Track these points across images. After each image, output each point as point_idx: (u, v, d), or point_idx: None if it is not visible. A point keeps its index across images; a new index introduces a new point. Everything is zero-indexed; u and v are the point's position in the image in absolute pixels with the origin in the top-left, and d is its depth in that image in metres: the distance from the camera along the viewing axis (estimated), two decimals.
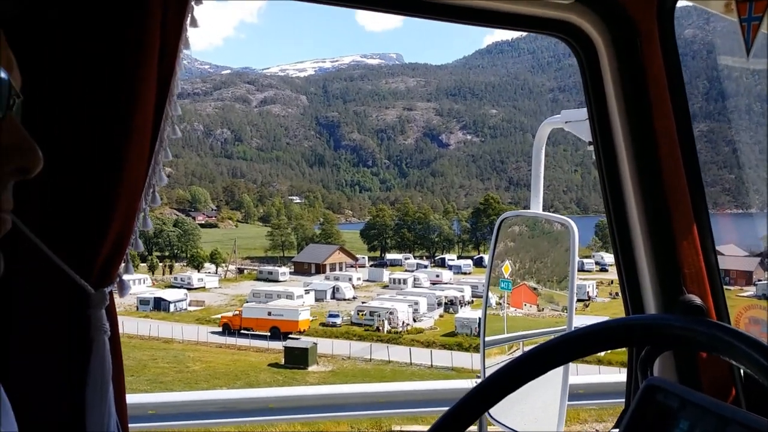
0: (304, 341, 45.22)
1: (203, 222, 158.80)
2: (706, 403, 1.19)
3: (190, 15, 1.44)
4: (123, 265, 1.47)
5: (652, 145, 1.75)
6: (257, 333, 51.14)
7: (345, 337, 51.97)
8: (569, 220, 2.05)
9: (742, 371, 1.72)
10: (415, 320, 58.09)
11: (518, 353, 1.82)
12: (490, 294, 2.46)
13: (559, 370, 1.71)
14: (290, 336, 50.68)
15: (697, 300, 1.69)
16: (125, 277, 1.50)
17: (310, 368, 41.39)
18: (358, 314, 57.46)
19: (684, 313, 1.64)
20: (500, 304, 2.47)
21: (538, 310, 2.28)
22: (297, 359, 41.44)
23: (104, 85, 1.30)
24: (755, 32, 1.51)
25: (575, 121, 2.12)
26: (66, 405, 1.37)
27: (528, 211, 2.42)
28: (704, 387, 1.74)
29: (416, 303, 61.41)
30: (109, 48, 1.30)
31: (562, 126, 2.24)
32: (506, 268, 2.36)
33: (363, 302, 64.12)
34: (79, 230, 1.33)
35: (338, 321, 57.40)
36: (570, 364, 1.66)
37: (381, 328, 54.09)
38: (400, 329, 54.30)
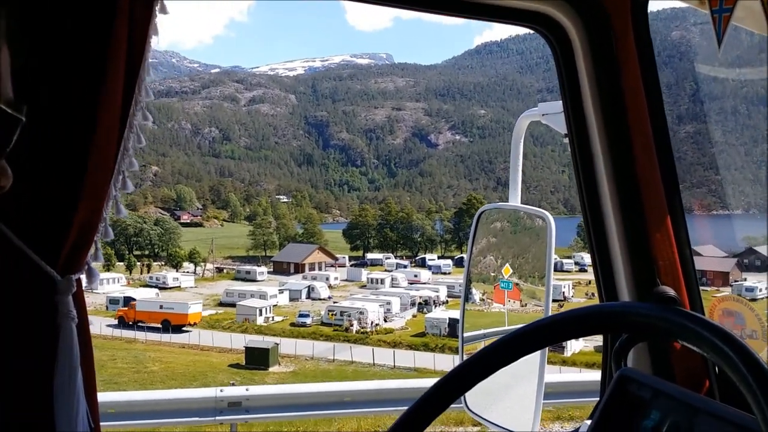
0: (267, 341, 44.66)
1: (188, 221, 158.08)
2: (678, 394, 1.21)
3: (159, 1, 1.42)
4: (92, 252, 1.45)
5: (626, 138, 1.77)
6: (150, 325, 53.18)
7: (312, 337, 51.52)
8: (547, 213, 2.08)
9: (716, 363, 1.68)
10: (386, 320, 57.69)
11: None
12: (473, 290, 2.48)
13: (536, 365, 1.85)
14: (182, 328, 53.28)
15: (671, 291, 1.70)
16: (94, 264, 1.48)
17: (270, 369, 40.90)
18: (328, 314, 57.03)
19: (657, 303, 1.62)
20: (483, 300, 2.48)
21: (521, 306, 2.27)
22: (258, 360, 40.94)
23: (69, 71, 1.29)
24: (726, 24, 1.53)
25: (552, 113, 2.12)
26: (34, 392, 1.36)
27: (506, 204, 2.40)
28: (678, 378, 1.74)
29: (388, 303, 61.01)
30: (75, 32, 1.28)
31: (539, 118, 2.26)
32: (506, 269, 2.31)
33: (335, 302, 63.68)
34: (44, 216, 1.32)
35: (308, 321, 56.92)
36: (546, 361, 1.84)
37: (350, 328, 53.64)
38: (369, 329, 53.86)
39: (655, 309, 1.29)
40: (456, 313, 54.86)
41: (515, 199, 2.44)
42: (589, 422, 1.47)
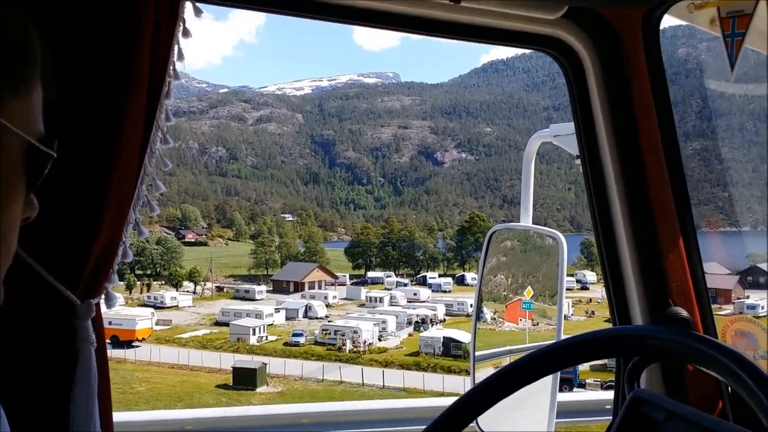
0: (255, 361, 44.24)
1: (193, 240, 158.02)
2: (692, 416, 1.20)
3: (182, 26, 1.43)
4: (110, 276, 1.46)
5: (638, 159, 1.78)
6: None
7: (303, 357, 51.03)
8: (558, 233, 2.11)
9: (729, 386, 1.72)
10: (380, 339, 57.10)
11: None
12: (484, 309, 2.48)
13: (548, 385, 1.88)
14: (132, 344, 53.94)
15: (684, 312, 1.70)
16: (110, 288, 1.48)
17: (258, 389, 40.53)
18: (322, 333, 56.57)
19: (670, 325, 1.63)
20: (495, 319, 2.49)
21: (533, 325, 2.29)
22: (245, 380, 40.65)
23: (93, 96, 1.30)
24: (738, 48, 1.54)
25: (564, 134, 2.16)
26: (52, 415, 1.36)
27: (518, 224, 2.41)
28: (691, 400, 1.74)
29: (384, 322, 60.43)
30: (99, 58, 1.30)
31: (551, 140, 2.28)
32: (528, 291, 2.30)
33: (329, 321, 63.17)
34: (65, 243, 1.33)
35: (301, 340, 56.44)
36: (558, 381, 1.88)
37: (342, 347, 53.09)
38: (362, 349, 53.28)
39: (669, 333, 1.30)
40: (452, 332, 54.66)
41: (527, 220, 2.45)
42: None
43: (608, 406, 6.79)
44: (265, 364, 42.92)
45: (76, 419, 1.35)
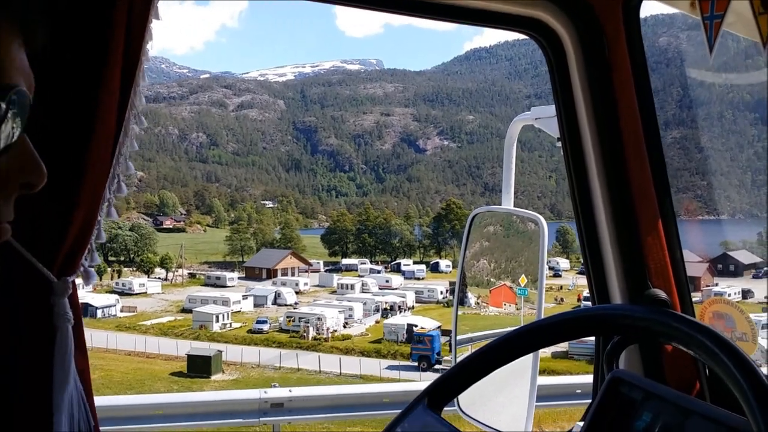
0: (211, 349, 43.60)
1: (171, 227, 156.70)
2: (669, 396, 1.22)
3: (155, 6, 1.44)
4: (87, 254, 1.46)
5: (618, 142, 1.80)
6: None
7: (264, 344, 50.45)
8: (539, 216, 2.13)
9: (706, 365, 1.73)
10: (345, 326, 56.68)
11: None
12: (468, 294, 2.51)
13: (529, 367, 1.91)
14: None
15: (662, 294, 1.75)
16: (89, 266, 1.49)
17: (213, 377, 39.98)
18: (286, 320, 55.99)
19: (649, 305, 1.68)
20: (479, 303, 2.50)
21: (516, 309, 2.31)
22: (200, 368, 40.05)
23: (66, 75, 1.30)
24: (717, 30, 1.56)
25: (545, 117, 2.18)
26: (33, 392, 1.37)
27: (499, 207, 2.42)
28: (669, 381, 1.77)
29: (350, 309, 60.02)
30: (72, 37, 1.30)
31: (532, 122, 2.28)
32: (522, 279, 2.30)
33: (294, 308, 62.63)
34: (41, 219, 1.33)
35: (265, 327, 55.88)
36: (539, 362, 1.91)
37: (305, 334, 52.60)
38: (326, 336, 52.83)
39: (649, 312, 1.32)
40: (416, 319, 54.37)
41: (508, 202, 2.43)
42: (581, 424, 1.47)
43: (579, 391, 7.23)
44: (221, 352, 42.30)
45: (56, 396, 1.35)
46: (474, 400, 2.00)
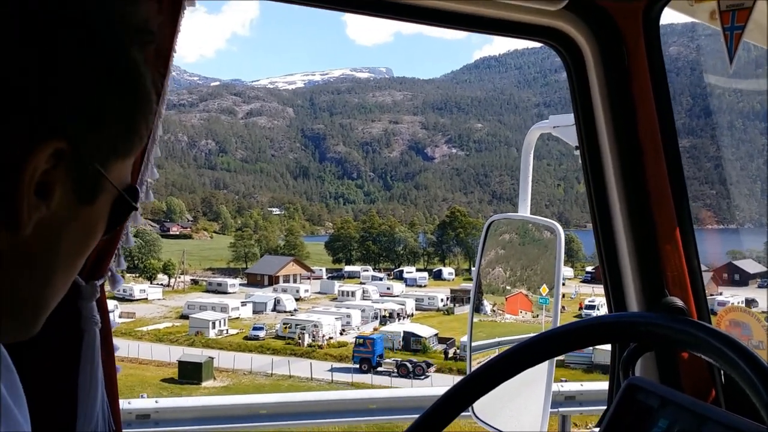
0: (203, 355, 43.34)
1: (177, 233, 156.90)
2: (686, 403, 1.22)
3: (182, 17, 1.48)
4: (115, 259, 1.49)
5: (636, 150, 1.81)
6: None
7: (258, 351, 50.12)
8: (556, 223, 2.13)
9: (722, 372, 1.75)
10: (342, 333, 56.30)
11: None
12: (484, 301, 2.51)
13: (544, 373, 1.92)
14: None
15: (679, 302, 1.73)
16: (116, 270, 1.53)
17: (204, 383, 39.70)
18: (283, 327, 55.68)
19: (666, 313, 1.68)
20: (494, 311, 2.52)
21: (533, 317, 2.31)
22: (191, 374, 39.81)
23: None
24: (737, 41, 1.57)
25: (563, 125, 2.20)
26: (58, 393, 1.37)
27: (515, 214, 2.42)
28: (685, 387, 1.77)
29: (348, 316, 59.66)
30: None
31: (550, 131, 2.30)
32: (543, 289, 2.29)
33: (291, 315, 62.33)
34: None
35: (261, 334, 55.59)
36: (554, 368, 1.93)
37: (301, 341, 52.25)
38: (321, 343, 52.46)
39: (669, 319, 1.34)
40: (414, 327, 53.91)
41: (525, 210, 2.44)
42: (597, 430, 1.48)
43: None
44: (212, 358, 42.02)
45: (82, 398, 1.35)
46: (489, 405, 1.98)
